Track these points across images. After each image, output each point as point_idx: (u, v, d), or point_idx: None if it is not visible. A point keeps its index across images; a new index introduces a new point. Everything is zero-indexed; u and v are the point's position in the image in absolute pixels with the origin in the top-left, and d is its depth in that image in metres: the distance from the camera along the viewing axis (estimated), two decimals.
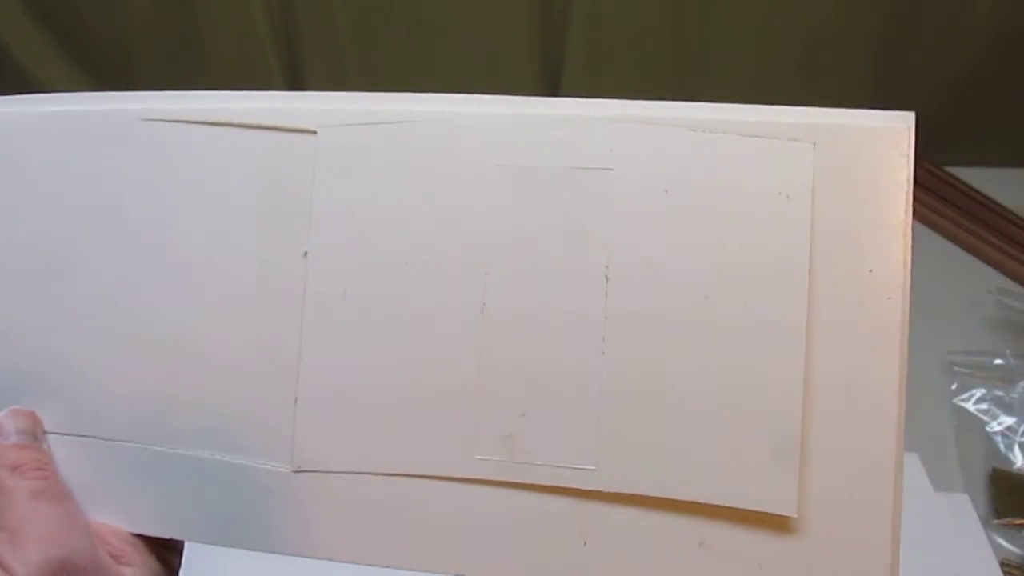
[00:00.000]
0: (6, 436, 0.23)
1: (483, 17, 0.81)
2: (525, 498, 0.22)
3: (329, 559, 0.23)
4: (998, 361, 0.61)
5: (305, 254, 0.24)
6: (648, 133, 0.23)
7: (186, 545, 0.26)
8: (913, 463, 0.55)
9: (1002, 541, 0.50)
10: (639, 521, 0.22)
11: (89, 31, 0.84)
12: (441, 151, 0.24)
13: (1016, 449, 0.56)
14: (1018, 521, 0.51)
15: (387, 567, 0.23)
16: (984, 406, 0.59)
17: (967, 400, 0.59)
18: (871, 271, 0.22)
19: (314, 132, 0.25)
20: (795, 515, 0.21)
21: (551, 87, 0.87)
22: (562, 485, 0.22)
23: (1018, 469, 0.55)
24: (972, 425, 0.57)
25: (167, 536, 0.24)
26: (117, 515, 0.24)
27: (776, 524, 0.21)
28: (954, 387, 0.60)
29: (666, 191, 0.23)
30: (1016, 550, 0.49)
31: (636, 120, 0.23)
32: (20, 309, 0.25)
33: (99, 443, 0.25)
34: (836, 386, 0.21)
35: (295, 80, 0.87)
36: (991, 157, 0.85)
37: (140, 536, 0.24)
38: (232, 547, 0.23)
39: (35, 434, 0.24)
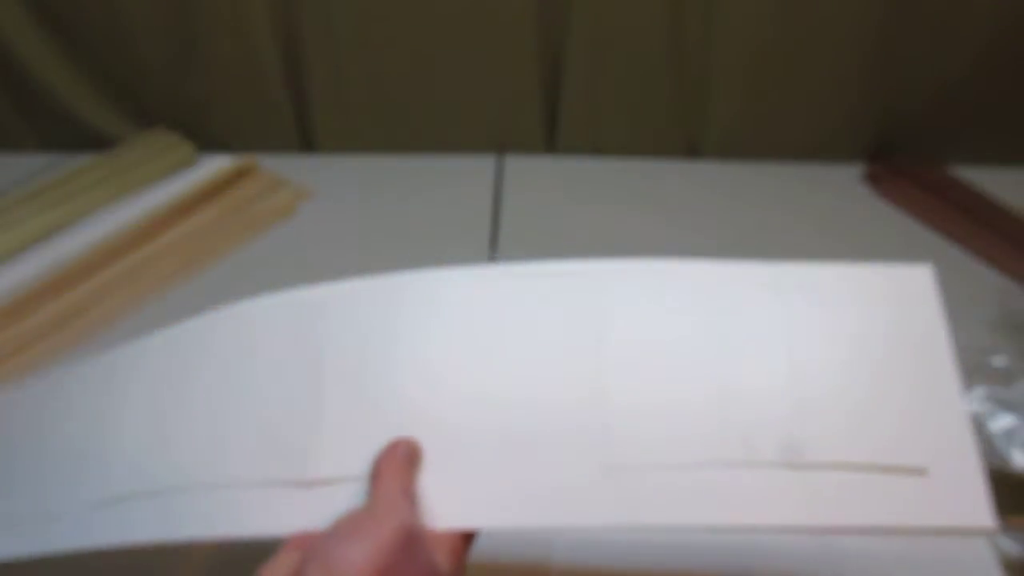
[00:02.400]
0: (399, 454, 0.34)
1: (483, 18, 0.81)
2: (756, 472, 0.33)
3: (633, 527, 0.32)
4: (998, 361, 0.61)
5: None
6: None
7: None
8: None
9: (1002, 541, 0.50)
10: (845, 478, 0.32)
11: (89, 28, 0.84)
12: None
13: (1016, 449, 0.56)
14: (1018, 521, 0.51)
15: (682, 527, 0.32)
16: (984, 406, 0.59)
17: (967, 400, 0.59)
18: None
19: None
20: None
21: (551, 87, 0.87)
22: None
23: (1018, 469, 0.55)
24: (972, 425, 0.57)
25: (496, 526, 0.34)
26: (452, 520, 0.33)
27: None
28: None
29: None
30: (1016, 550, 0.49)
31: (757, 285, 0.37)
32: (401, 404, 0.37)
33: (450, 472, 0.34)
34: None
35: (295, 80, 0.88)
36: (991, 157, 0.85)
37: (457, 535, 0.33)
38: (550, 529, 0.35)
39: (414, 462, 0.34)
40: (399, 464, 0.34)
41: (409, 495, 0.33)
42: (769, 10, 0.78)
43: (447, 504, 0.34)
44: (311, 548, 0.30)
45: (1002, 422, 0.58)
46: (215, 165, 0.87)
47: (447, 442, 0.35)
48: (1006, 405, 0.58)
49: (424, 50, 0.85)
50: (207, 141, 0.91)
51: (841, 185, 0.84)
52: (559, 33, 0.82)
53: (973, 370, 0.61)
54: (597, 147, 0.90)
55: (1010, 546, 0.50)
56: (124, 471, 0.39)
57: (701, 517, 0.32)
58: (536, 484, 0.34)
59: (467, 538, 0.34)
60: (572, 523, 0.33)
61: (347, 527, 0.30)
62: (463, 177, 0.87)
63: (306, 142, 0.94)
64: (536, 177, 0.87)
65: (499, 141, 0.91)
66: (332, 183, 0.86)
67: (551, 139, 0.91)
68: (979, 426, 0.58)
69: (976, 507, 0.33)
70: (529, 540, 0.49)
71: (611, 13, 0.79)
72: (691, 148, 0.90)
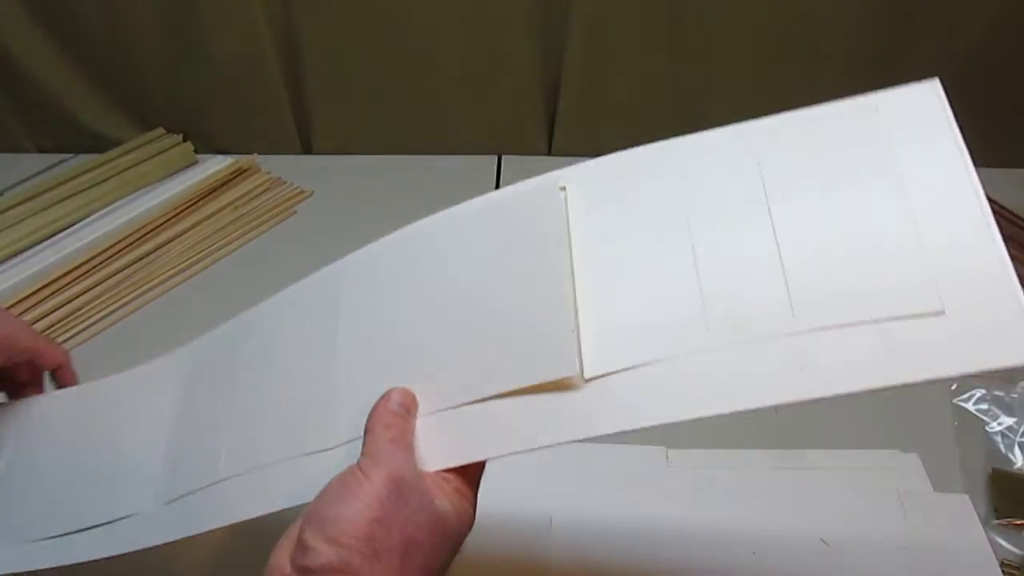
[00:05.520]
0: (391, 404, 0.34)
1: (483, 19, 0.81)
2: (753, 348, 0.30)
3: (615, 430, 0.30)
4: None
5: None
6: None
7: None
8: (913, 463, 0.55)
9: (1002, 541, 0.50)
10: (837, 342, 0.29)
11: (89, 29, 0.84)
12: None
13: (1016, 449, 0.55)
14: (1018, 521, 0.51)
15: (668, 421, 0.30)
16: (984, 406, 0.58)
17: (967, 400, 0.59)
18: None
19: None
20: (942, 309, 0.28)
21: (551, 87, 0.87)
22: (771, 334, 0.30)
23: (1018, 469, 0.54)
24: (972, 425, 0.57)
25: (489, 456, 0.33)
26: (447, 460, 0.33)
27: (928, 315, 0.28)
28: (954, 387, 0.60)
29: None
30: (1016, 550, 0.49)
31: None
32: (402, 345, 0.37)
33: (438, 414, 0.34)
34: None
35: (294, 81, 0.88)
36: (991, 157, 0.85)
37: (459, 477, 0.33)
38: (538, 447, 0.31)
39: (409, 408, 0.34)
40: (390, 415, 0.34)
41: (401, 443, 0.33)
42: (768, 13, 0.78)
43: (440, 445, 0.34)
44: (307, 513, 0.31)
45: (1002, 422, 0.58)
46: (215, 165, 0.87)
47: (439, 384, 0.35)
48: (1006, 406, 0.58)
49: (423, 51, 0.85)
50: (207, 141, 0.91)
51: None
52: (559, 34, 0.82)
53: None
54: (597, 148, 0.90)
55: (1010, 546, 0.50)
56: (179, 469, 0.40)
57: (692, 410, 0.30)
58: (520, 411, 0.32)
59: (470, 477, 0.34)
60: (560, 439, 0.31)
61: (336, 486, 0.31)
62: (463, 177, 0.87)
63: (305, 142, 0.94)
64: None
65: (499, 142, 0.91)
66: (331, 183, 0.86)
67: (550, 140, 0.91)
68: (979, 426, 0.58)
69: (1008, 342, 0.27)
70: (527, 534, 0.49)
71: (611, 14, 0.80)
72: None
